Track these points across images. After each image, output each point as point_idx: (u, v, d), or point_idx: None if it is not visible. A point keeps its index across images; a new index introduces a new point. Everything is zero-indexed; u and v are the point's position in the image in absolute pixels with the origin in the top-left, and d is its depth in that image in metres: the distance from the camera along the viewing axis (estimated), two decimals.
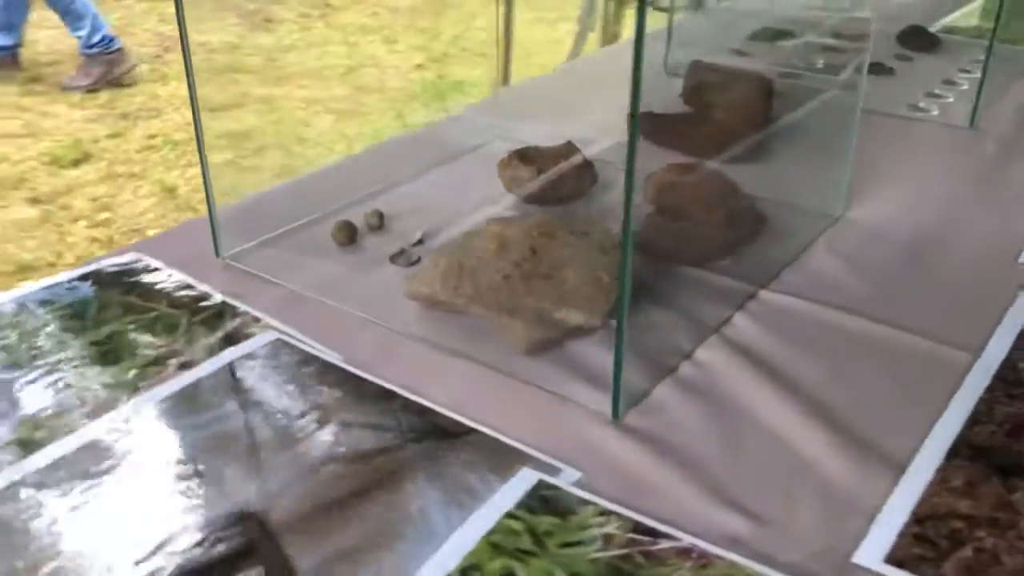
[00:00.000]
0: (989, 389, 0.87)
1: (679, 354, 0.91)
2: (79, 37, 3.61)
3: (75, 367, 0.89)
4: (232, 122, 3.50)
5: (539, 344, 0.89)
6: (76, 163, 3.23)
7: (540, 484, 0.75)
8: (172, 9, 0.93)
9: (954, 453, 0.79)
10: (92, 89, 3.59)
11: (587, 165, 1.19)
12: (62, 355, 0.91)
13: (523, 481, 0.75)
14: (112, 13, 4.33)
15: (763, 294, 1.02)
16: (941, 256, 1.10)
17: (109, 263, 1.08)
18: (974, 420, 0.83)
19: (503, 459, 0.78)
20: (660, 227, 1.03)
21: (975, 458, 0.78)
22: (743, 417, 0.83)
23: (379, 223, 1.14)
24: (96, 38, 3.62)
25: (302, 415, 0.82)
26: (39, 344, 0.93)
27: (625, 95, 0.70)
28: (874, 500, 0.74)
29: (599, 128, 1.37)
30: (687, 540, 0.70)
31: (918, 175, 1.32)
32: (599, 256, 0.93)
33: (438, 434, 0.80)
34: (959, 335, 0.94)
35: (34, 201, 2.92)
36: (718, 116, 1.37)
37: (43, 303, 0.99)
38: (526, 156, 1.21)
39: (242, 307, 0.99)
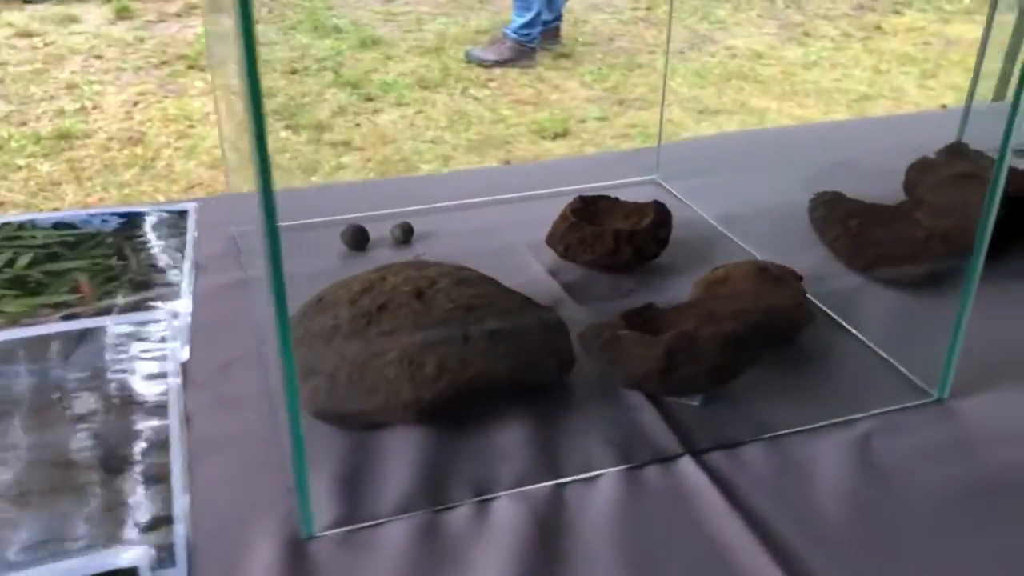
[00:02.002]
0: None
1: (471, 492, 0.70)
2: (514, 20, 3.75)
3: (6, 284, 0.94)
4: (711, 126, 3.43)
5: (325, 415, 0.74)
6: (555, 137, 3.40)
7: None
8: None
9: None
10: (488, 65, 3.71)
11: (643, 234, 0.95)
12: (11, 272, 0.96)
13: (109, 558, 0.64)
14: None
15: (684, 462, 0.73)
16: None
17: (166, 207, 1.12)
18: None
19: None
20: (602, 330, 0.79)
21: None
22: None
23: (403, 238, 1.03)
24: (526, 30, 3.73)
25: (59, 400, 0.78)
26: (12, 257, 0.99)
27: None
28: None
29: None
30: None
31: None
32: (455, 336, 0.74)
33: (121, 471, 0.71)
34: None
35: (505, 163, 3.15)
36: (920, 217, 1.01)
37: (66, 226, 1.06)
38: (593, 206, 1.00)
39: (184, 282, 0.96)
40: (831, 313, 0.91)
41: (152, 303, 0.92)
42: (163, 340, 0.86)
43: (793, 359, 0.85)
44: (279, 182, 1.03)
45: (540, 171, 1.39)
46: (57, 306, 0.91)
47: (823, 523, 0.68)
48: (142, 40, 4.10)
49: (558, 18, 4.02)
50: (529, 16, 3.75)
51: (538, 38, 3.84)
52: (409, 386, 0.72)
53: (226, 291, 0.95)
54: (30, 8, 4.32)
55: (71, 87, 3.57)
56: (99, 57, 3.92)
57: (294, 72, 3.82)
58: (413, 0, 4.85)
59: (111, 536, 0.65)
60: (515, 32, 3.74)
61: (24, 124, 3.24)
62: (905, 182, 1.09)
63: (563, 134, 3.38)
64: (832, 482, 0.71)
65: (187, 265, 0.98)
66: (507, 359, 0.75)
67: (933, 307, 0.92)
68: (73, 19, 4.29)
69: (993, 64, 1.47)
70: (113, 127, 3.23)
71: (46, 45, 4.02)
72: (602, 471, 0.72)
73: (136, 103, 3.44)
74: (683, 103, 3.66)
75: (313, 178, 2.99)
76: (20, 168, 2.94)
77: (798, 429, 0.76)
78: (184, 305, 0.92)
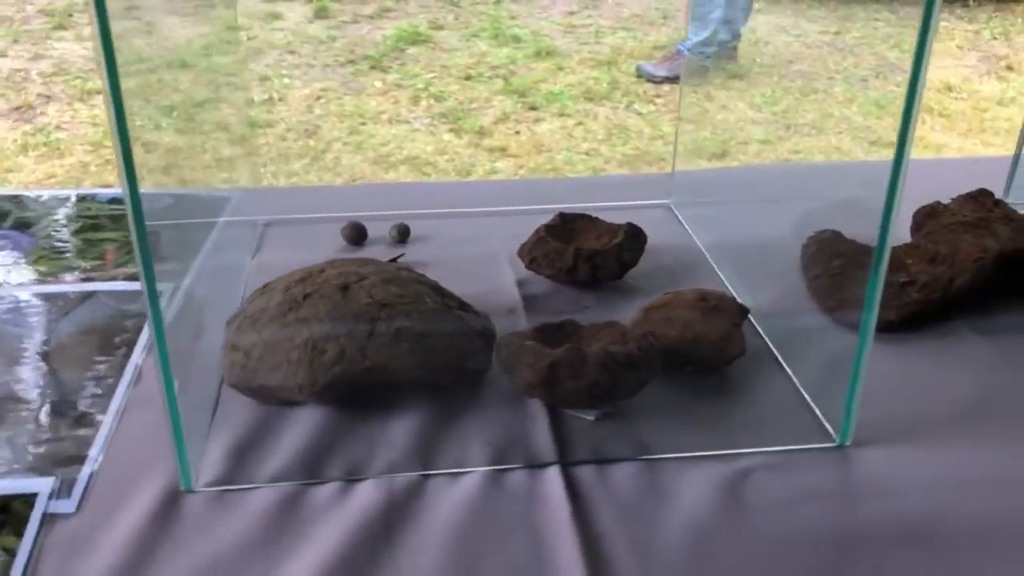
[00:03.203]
0: None
1: (344, 472, 0.76)
2: (690, 37, 3.71)
3: (49, 246, 1.08)
4: (880, 158, 3.31)
5: (239, 386, 0.82)
6: (711, 157, 3.38)
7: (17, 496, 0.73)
8: None
9: None
10: (657, 81, 3.67)
11: (604, 254, 0.98)
12: (59, 238, 1.10)
13: (17, 482, 0.74)
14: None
15: (551, 472, 0.76)
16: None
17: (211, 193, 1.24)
18: None
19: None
20: (512, 339, 0.83)
21: None
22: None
23: (399, 238, 1.10)
24: (701, 48, 3.68)
25: (43, 347, 0.90)
26: (64, 224, 1.13)
27: None
28: None
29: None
30: None
31: None
32: (361, 329, 0.80)
33: (63, 413, 0.82)
34: None
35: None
36: (910, 263, 0.98)
37: (119, 201, 1.19)
38: (571, 224, 1.04)
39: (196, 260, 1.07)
40: (773, 349, 0.91)
41: (159, 275, 1.02)
42: None
43: (712, 388, 0.86)
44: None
45: (557, 188, 1.43)
46: (80, 269, 1.04)
47: (658, 552, 0.69)
48: (334, 39, 4.35)
49: (736, 37, 3.97)
50: (705, 34, 3.73)
51: (712, 57, 3.81)
52: (307, 369, 0.79)
53: (229, 272, 1.05)
54: (241, 4, 4.66)
55: (263, 79, 3.83)
56: (293, 53, 4.19)
57: (468, 78, 3.96)
58: (596, 13, 4.90)
59: (29, 466, 0.76)
60: (689, 49, 3.73)
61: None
62: (912, 227, 1.06)
63: (720, 155, 3.35)
64: (688, 513, 0.72)
65: (205, 247, 1.09)
66: (408, 356, 0.80)
67: (879, 354, 0.90)
68: (277, 16, 4.60)
69: None
70: (293, 119, 3.45)
71: (249, 39, 4.33)
72: (470, 469, 0.76)
73: (318, 98, 3.67)
74: (855, 132, 3.53)
75: (476, 178, 3.08)
76: (205, 151, 3.18)
77: (681, 455, 0.78)
78: (185, 280, 1.02)
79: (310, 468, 0.76)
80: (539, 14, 4.90)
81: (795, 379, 0.87)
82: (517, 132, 3.44)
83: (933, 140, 3.45)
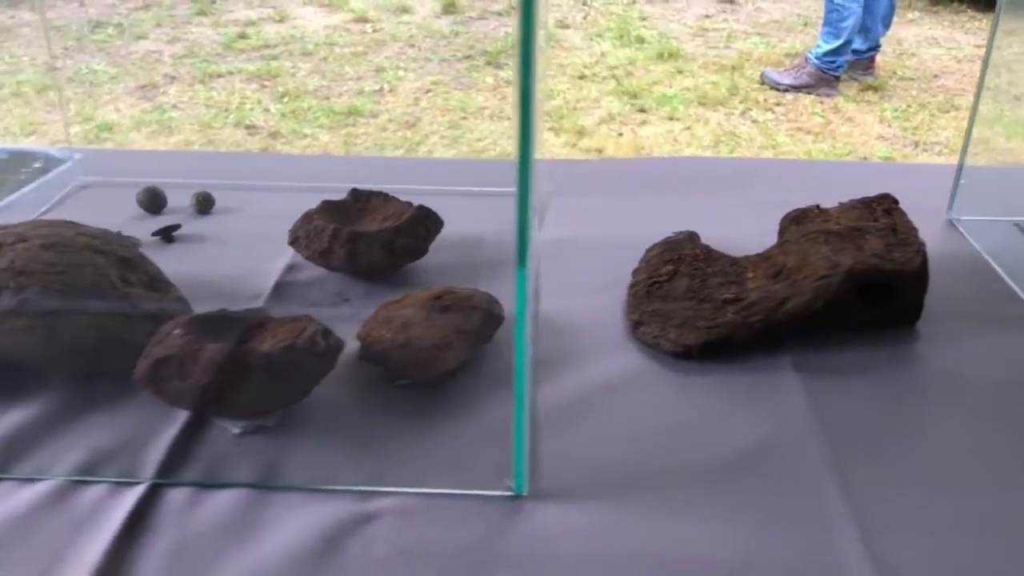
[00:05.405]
0: None
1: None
2: (820, 45, 3.41)
3: None
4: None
5: None
6: None
7: None
8: None
9: None
10: (781, 89, 3.39)
11: (367, 238, 0.81)
12: None
13: None
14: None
15: (136, 490, 0.61)
16: None
17: (51, 151, 1.15)
18: None
19: None
20: (171, 327, 0.67)
21: None
22: None
23: (201, 208, 0.97)
24: (831, 57, 3.37)
25: None
26: None
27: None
28: None
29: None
30: None
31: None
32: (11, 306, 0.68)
33: None
34: None
35: None
36: (751, 277, 0.77)
37: None
38: (365, 203, 0.88)
39: None
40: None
41: None
42: None
43: (413, 409, 0.68)
44: None
45: (417, 167, 1.25)
46: None
47: None
48: (457, 34, 4.29)
49: (874, 48, 3.64)
50: (836, 43, 3.44)
51: (843, 66, 3.51)
52: None
53: None
54: None
55: (379, 70, 3.80)
56: (413, 46, 4.15)
57: (582, 77, 3.81)
58: (732, 17, 4.64)
59: None
60: (818, 58, 3.45)
61: (327, 99, 3.50)
62: (779, 232, 0.84)
63: None
64: (266, 558, 0.55)
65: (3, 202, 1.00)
66: (23, 334, 0.67)
67: (657, 386, 0.70)
68: (406, 9, 4.58)
69: None
70: (397, 111, 3.40)
71: (374, 31, 4.33)
72: (46, 478, 0.62)
73: (427, 91, 3.60)
74: (992, 155, 3.16)
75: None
76: (305, 136, 3.18)
77: (309, 487, 0.61)
78: None
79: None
80: (672, 16, 4.69)
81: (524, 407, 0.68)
82: (620, 134, 3.26)
83: None
